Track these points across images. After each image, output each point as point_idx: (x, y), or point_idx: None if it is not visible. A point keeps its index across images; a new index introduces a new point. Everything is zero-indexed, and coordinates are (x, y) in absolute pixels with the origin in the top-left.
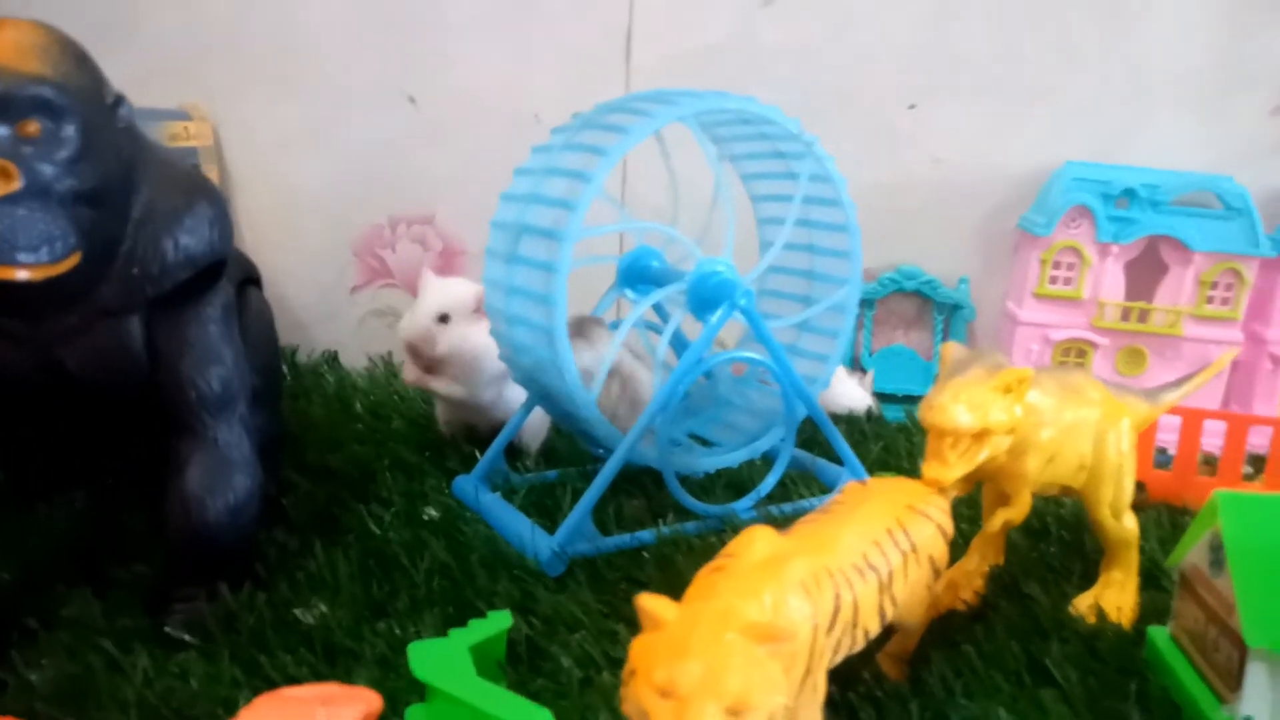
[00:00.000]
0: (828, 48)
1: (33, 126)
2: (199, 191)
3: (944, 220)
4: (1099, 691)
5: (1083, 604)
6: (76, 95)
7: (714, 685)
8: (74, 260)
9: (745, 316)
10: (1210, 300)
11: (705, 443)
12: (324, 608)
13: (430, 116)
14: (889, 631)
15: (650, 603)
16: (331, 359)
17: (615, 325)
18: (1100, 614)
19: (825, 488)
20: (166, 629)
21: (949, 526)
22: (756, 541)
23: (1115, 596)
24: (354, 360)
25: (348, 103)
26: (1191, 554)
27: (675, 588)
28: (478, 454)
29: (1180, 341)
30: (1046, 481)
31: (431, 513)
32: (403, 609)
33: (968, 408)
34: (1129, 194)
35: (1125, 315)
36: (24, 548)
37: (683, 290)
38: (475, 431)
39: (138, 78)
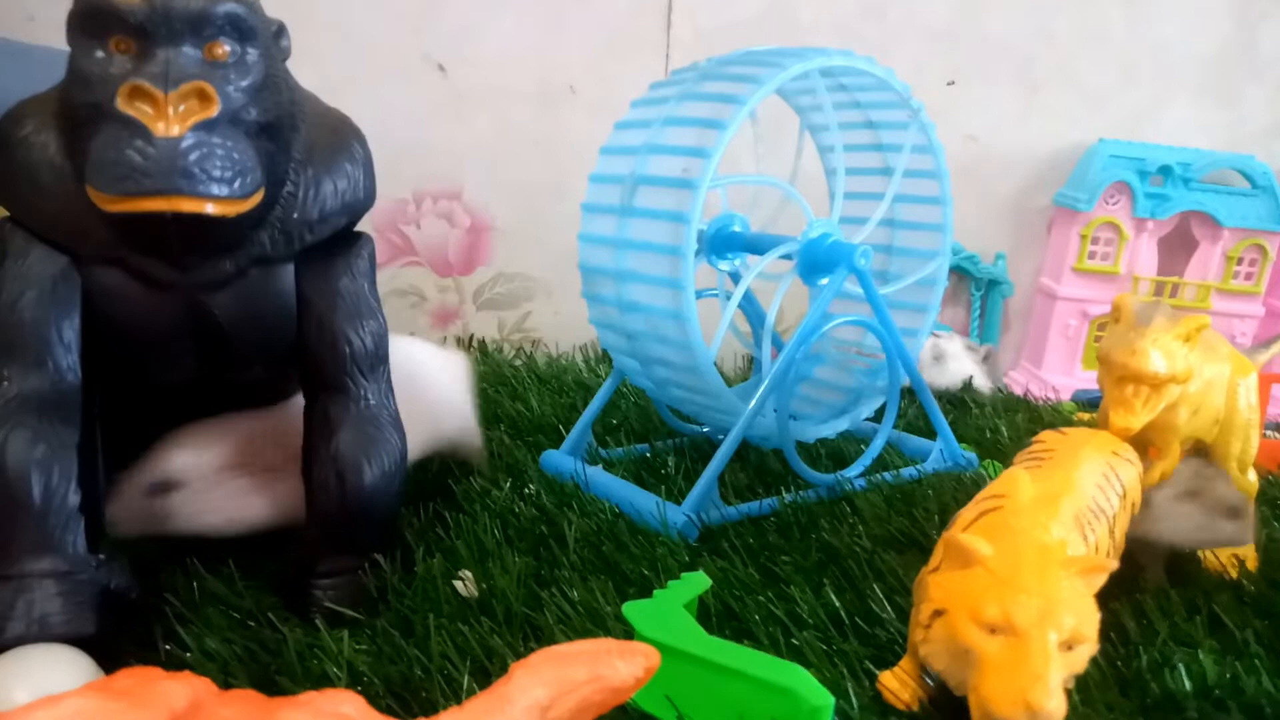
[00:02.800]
0: (863, 25)
1: (221, 49)
2: (350, 132)
3: (976, 197)
4: (1271, 633)
5: (1215, 557)
6: (259, 18)
7: (1052, 619)
8: (259, 197)
9: (860, 280)
10: (1235, 275)
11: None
12: (496, 578)
13: (459, 86)
14: None
15: (968, 539)
16: None
17: (701, 293)
18: (1240, 565)
19: (912, 460)
20: (326, 603)
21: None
22: (1021, 483)
23: (1238, 549)
24: None
25: (370, 68)
26: None
27: (806, 553)
28: (563, 430)
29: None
30: (1186, 435)
31: (532, 487)
32: (567, 578)
33: (1163, 355)
34: (1164, 171)
35: (1158, 290)
36: None
37: (792, 254)
38: None
39: None
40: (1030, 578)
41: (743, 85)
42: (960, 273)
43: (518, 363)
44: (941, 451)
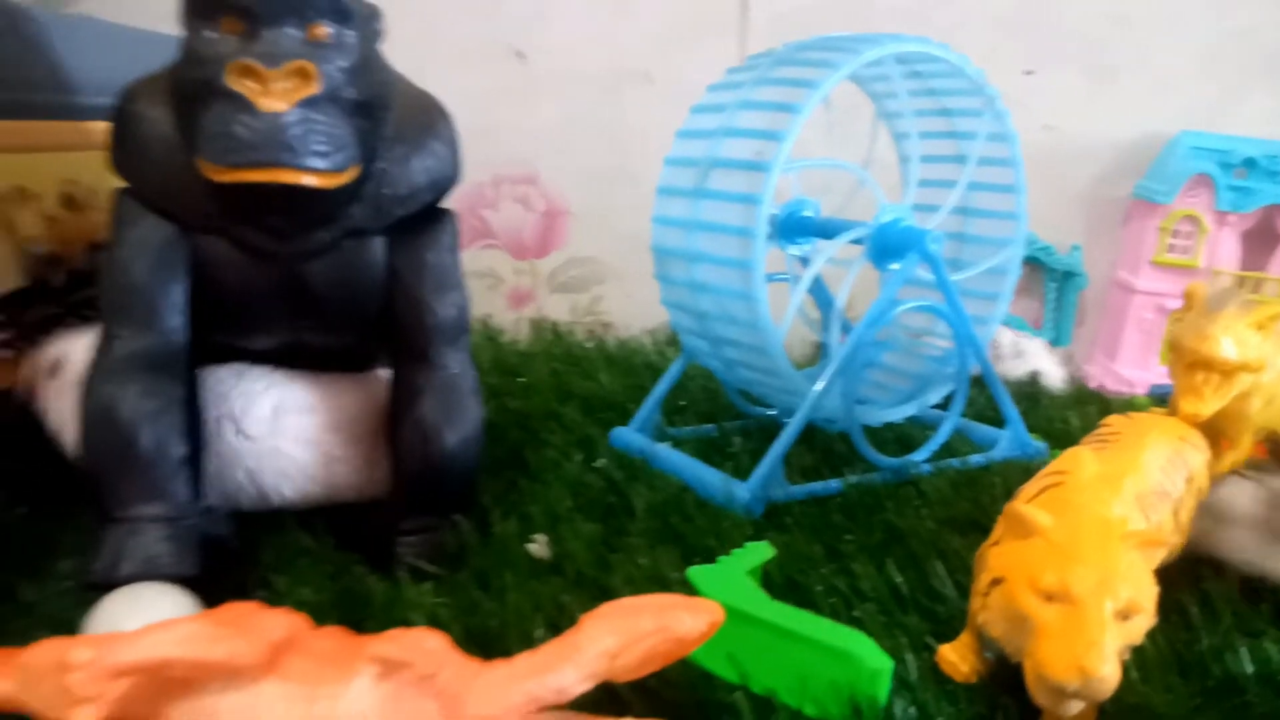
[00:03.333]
0: (938, 12)
1: (322, 30)
2: (438, 112)
3: (1052, 188)
4: None
5: None
6: (356, 2)
7: (1109, 589)
8: (355, 172)
9: (932, 264)
10: None
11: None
12: (567, 540)
13: (534, 72)
14: None
15: (1028, 510)
16: None
17: (773, 277)
18: None
19: (980, 447)
20: (408, 559)
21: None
22: (1084, 460)
23: None
24: None
25: (447, 54)
26: None
27: (870, 532)
28: (632, 409)
29: None
30: (1259, 426)
31: (602, 460)
32: (634, 545)
33: (1235, 341)
34: (1249, 164)
35: (1239, 286)
36: None
37: (863, 238)
38: None
39: None
40: (1089, 548)
41: (817, 70)
42: (1034, 264)
43: (589, 344)
44: (1010, 439)
